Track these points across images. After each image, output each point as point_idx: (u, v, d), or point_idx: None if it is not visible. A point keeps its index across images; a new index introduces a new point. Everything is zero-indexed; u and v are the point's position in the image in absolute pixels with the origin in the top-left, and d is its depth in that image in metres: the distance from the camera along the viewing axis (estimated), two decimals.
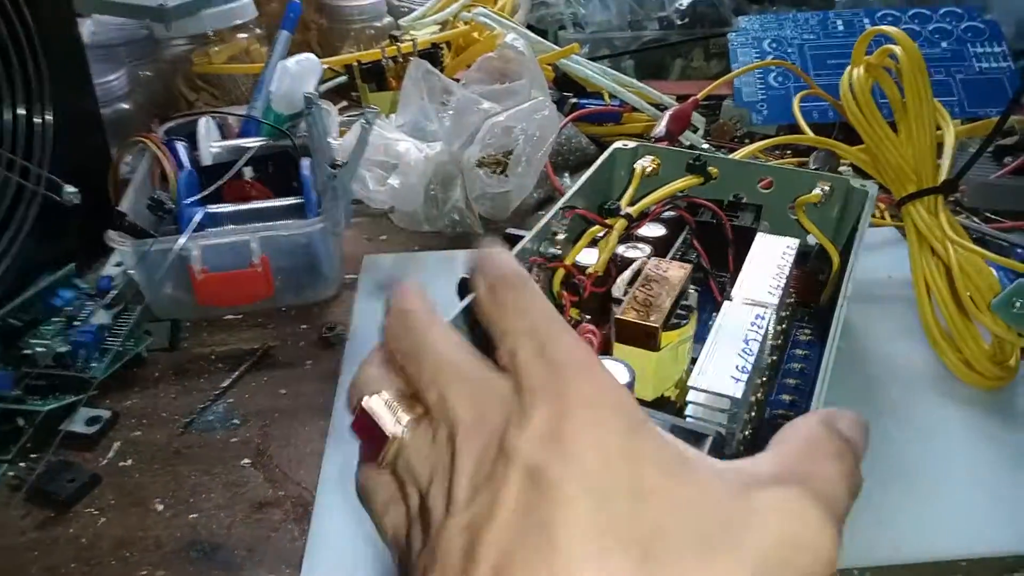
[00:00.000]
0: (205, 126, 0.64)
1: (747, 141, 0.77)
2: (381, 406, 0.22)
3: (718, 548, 0.18)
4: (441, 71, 0.69)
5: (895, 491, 0.38)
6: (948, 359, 0.45)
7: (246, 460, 0.43)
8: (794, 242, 0.43)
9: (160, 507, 0.41)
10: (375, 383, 0.23)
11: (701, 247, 0.48)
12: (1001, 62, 0.81)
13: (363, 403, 0.23)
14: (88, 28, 0.80)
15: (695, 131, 0.76)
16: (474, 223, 0.63)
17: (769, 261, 0.42)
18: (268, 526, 0.39)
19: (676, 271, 0.40)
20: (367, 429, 0.23)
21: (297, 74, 0.63)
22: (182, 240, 0.50)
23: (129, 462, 0.44)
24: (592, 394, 0.19)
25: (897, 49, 0.49)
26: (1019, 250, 0.58)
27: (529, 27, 0.90)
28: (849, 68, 0.53)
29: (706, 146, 0.75)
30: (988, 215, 0.66)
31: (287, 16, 0.74)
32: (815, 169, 0.64)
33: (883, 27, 0.51)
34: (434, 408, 0.22)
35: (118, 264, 0.57)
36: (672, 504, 0.18)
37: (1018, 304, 0.40)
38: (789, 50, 0.83)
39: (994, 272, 0.45)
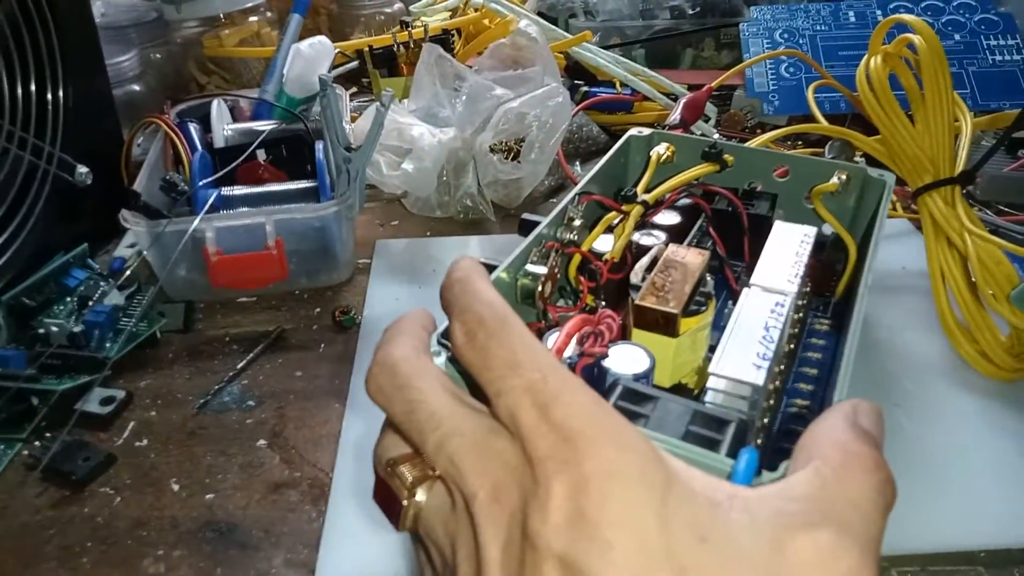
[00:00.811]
0: (218, 109, 0.64)
1: (758, 131, 0.77)
2: (393, 474, 0.22)
3: None
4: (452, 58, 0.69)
5: (912, 481, 0.38)
6: (964, 350, 0.45)
7: (262, 441, 0.43)
8: (812, 230, 0.43)
9: (176, 487, 0.41)
10: (393, 448, 0.23)
11: (717, 235, 0.48)
12: (1015, 55, 0.81)
13: (378, 471, 0.23)
14: (98, 9, 0.80)
15: (707, 120, 0.76)
16: (486, 209, 0.63)
17: (787, 249, 0.41)
18: (285, 507, 0.39)
19: (694, 257, 0.39)
20: (386, 498, 0.22)
21: (310, 57, 0.63)
22: (196, 221, 0.50)
23: (144, 442, 0.44)
24: (610, 461, 0.18)
25: (916, 38, 0.49)
26: None
27: (539, 14, 0.90)
28: (866, 57, 0.53)
29: (718, 136, 0.75)
30: (1001, 207, 0.66)
31: (298, 1, 0.74)
32: (831, 158, 0.64)
33: (902, 16, 0.51)
34: (445, 475, 0.21)
35: (131, 245, 0.57)
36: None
37: None
38: (801, 41, 0.83)
39: (1012, 263, 0.45)
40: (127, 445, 0.43)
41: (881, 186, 0.46)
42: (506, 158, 0.60)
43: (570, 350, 0.34)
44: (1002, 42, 0.82)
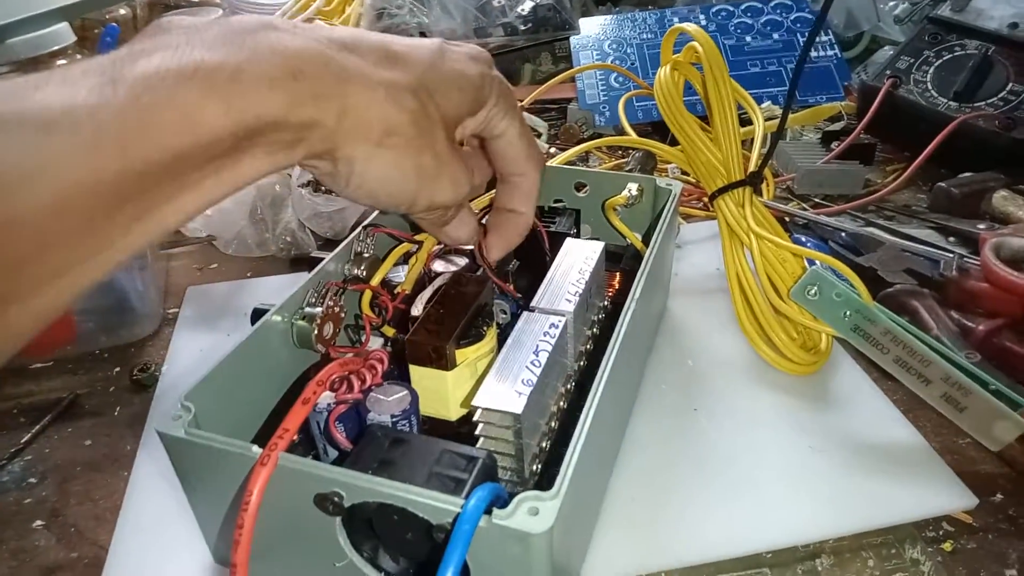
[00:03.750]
0: None
1: None
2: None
3: None
4: None
5: (709, 489, 0.39)
6: (761, 349, 0.46)
7: (39, 522, 0.40)
8: (599, 245, 0.43)
9: None
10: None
11: (519, 256, 0.47)
12: (828, 51, 0.84)
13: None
14: None
15: (539, 135, 0.76)
16: (308, 243, 0.61)
17: (572, 267, 0.41)
18: None
19: (473, 287, 0.39)
20: None
21: None
22: None
23: None
24: None
25: (697, 46, 0.50)
26: (843, 234, 0.60)
27: None
28: (660, 68, 0.54)
29: (553, 150, 0.75)
30: (818, 200, 0.68)
31: (103, 40, 0.70)
32: (629, 170, 0.65)
33: (683, 25, 0.52)
34: None
35: None
36: None
37: (812, 291, 0.41)
38: (628, 50, 0.84)
39: (804, 262, 0.46)
40: None
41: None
42: (315, 191, 0.58)
43: (329, 397, 0.33)
44: (818, 39, 0.85)
